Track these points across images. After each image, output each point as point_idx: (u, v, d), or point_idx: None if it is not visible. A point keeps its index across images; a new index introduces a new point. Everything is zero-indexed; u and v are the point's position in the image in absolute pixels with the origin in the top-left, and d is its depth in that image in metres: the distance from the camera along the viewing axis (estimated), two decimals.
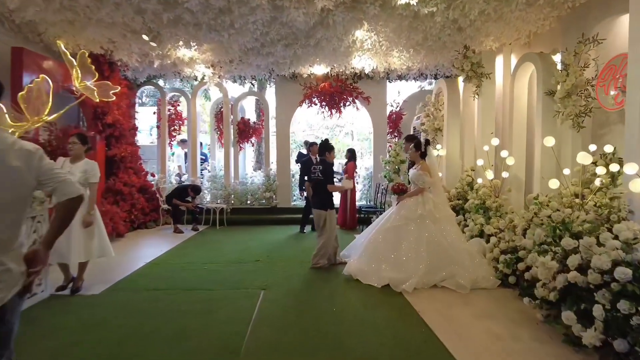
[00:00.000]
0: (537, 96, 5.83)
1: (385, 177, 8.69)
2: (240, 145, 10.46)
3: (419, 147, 5.55)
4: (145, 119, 13.72)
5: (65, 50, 6.30)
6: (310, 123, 19.81)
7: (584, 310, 3.08)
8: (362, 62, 8.18)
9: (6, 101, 5.57)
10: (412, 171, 5.55)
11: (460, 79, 7.84)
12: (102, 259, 4.85)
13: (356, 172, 9.70)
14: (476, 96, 7.27)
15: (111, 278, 5.13)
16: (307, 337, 3.52)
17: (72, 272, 4.70)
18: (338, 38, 6.70)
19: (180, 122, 10.77)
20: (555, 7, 5.41)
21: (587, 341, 2.90)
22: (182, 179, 10.53)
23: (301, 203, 9.64)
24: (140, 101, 15.05)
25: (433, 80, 9.94)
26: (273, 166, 10.44)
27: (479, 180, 6.62)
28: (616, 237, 3.09)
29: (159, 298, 4.49)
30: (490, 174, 6.30)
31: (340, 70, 9.02)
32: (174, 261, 6.15)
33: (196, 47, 7.18)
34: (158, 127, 10.54)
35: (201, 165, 10.85)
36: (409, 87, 12.03)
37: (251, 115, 12.48)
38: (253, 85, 11.00)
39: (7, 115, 5.16)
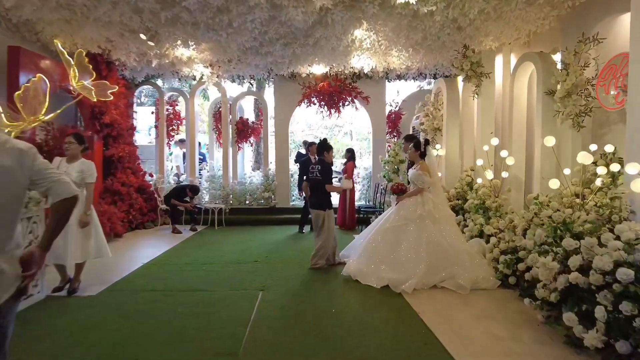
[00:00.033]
0: (537, 96, 5.80)
1: (384, 177, 8.66)
2: (239, 145, 10.43)
3: (418, 146, 5.52)
4: (144, 118, 13.68)
5: (62, 49, 6.26)
6: (309, 123, 19.78)
7: (585, 312, 3.05)
8: (361, 61, 8.15)
9: (2, 100, 5.54)
10: (411, 171, 5.52)
11: (460, 79, 7.81)
12: (99, 259, 4.81)
13: (357, 172, 9.69)
14: (476, 96, 7.25)
15: (108, 279, 5.09)
16: (306, 339, 3.49)
17: (69, 273, 4.66)
18: (337, 37, 6.66)
19: (179, 122, 10.72)
20: (555, 6, 5.38)
21: (588, 343, 2.87)
22: (180, 179, 10.49)
23: (300, 203, 9.61)
24: (138, 101, 15.01)
25: (432, 80, 9.91)
26: (272, 166, 10.40)
27: (479, 180, 6.59)
28: (618, 238, 3.06)
29: (157, 299, 4.45)
30: (489, 174, 6.27)
31: (339, 70, 8.98)
32: (172, 262, 6.11)
33: (194, 46, 7.14)
34: (156, 127, 10.49)
35: (199, 165, 10.81)
36: (408, 87, 12.00)
37: (250, 115, 12.44)
38: (252, 85, 10.96)
39: (2, 115, 5.12)
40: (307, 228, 8.41)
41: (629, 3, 3.98)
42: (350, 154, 9.02)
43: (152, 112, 10.80)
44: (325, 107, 9.98)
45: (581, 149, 4.88)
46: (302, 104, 9.99)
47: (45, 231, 1.94)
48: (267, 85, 11.57)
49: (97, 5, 5.49)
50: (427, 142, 5.71)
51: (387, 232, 5.26)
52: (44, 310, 4.12)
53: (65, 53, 6.25)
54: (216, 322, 3.81)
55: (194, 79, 9.54)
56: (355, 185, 9.54)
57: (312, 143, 8.11)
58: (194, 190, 8.94)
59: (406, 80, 9.92)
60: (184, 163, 10.92)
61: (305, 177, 6.63)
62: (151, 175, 9.55)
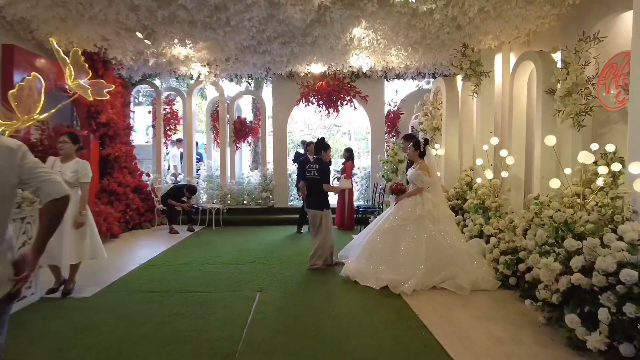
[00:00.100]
0: (537, 95, 5.77)
1: (383, 176, 8.61)
2: (237, 144, 10.36)
3: (417, 146, 5.47)
4: (142, 118, 13.61)
5: (57, 47, 6.18)
6: (307, 122, 19.74)
7: (587, 313, 3.01)
8: (360, 60, 8.10)
9: None
10: (410, 171, 5.48)
11: (459, 78, 7.77)
12: (94, 260, 4.74)
13: (357, 170, 9.63)
14: (475, 95, 7.21)
15: (104, 280, 5.03)
16: (304, 340, 3.44)
17: (64, 274, 4.60)
18: (335, 36, 6.61)
19: (176, 121, 10.65)
20: (555, 4, 5.35)
21: (591, 345, 2.82)
22: (177, 179, 10.42)
23: (298, 203, 9.56)
24: (136, 100, 14.94)
25: (431, 80, 9.88)
26: (270, 166, 10.34)
27: (478, 180, 6.55)
28: (621, 238, 3.02)
29: (153, 300, 4.39)
30: (489, 174, 6.23)
31: (338, 69, 8.92)
32: (169, 262, 6.04)
33: (191, 45, 7.08)
34: (153, 126, 10.43)
35: (196, 165, 10.74)
36: (407, 86, 11.96)
37: (248, 115, 12.37)
38: (249, 84, 10.91)
39: None
40: (305, 228, 8.35)
41: (629, 1, 3.94)
42: (349, 154, 8.97)
43: (149, 112, 10.73)
44: (324, 107, 9.94)
45: (581, 148, 4.84)
46: (301, 103, 9.94)
47: (38, 233, 1.88)
48: (265, 85, 11.50)
49: (92, 3, 5.43)
50: (426, 141, 5.66)
51: (386, 232, 5.21)
52: (37, 312, 4.06)
53: (61, 51, 6.18)
54: (213, 324, 3.76)
55: (192, 78, 9.49)
56: (354, 184, 9.50)
57: (311, 143, 8.04)
58: (192, 190, 8.88)
59: (405, 79, 9.88)
60: (181, 163, 10.85)
61: (302, 177, 6.57)
62: (148, 175, 9.48)
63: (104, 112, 7.77)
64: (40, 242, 1.85)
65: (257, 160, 12.48)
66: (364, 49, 7.37)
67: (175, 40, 6.84)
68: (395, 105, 10.76)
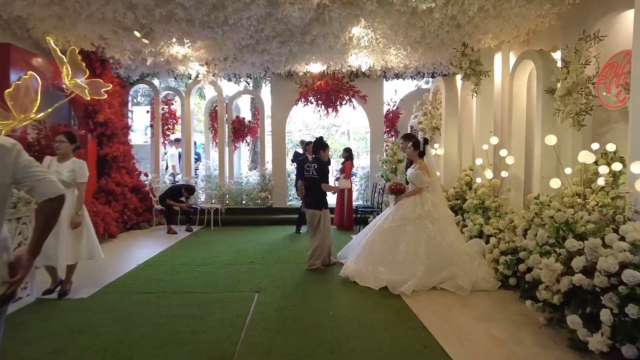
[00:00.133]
0: (537, 94, 5.74)
1: (382, 176, 8.58)
2: (235, 144, 10.33)
3: (417, 146, 5.44)
4: (141, 118, 13.58)
5: (54, 46, 6.14)
6: (306, 122, 19.71)
7: (589, 314, 2.98)
8: (359, 60, 8.07)
9: None
10: (410, 170, 5.44)
11: (459, 77, 7.74)
12: (91, 260, 4.70)
13: (357, 171, 9.59)
14: (474, 94, 7.19)
15: (101, 281, 4.99)
16: (303, 341, 3.40)
17: (60, 274, 4.55)
18: (334, 35, 6.58)
19: (174, 121, 10.61)
20: (555, 3, 5.32)
21: (593, 347, 2.79)
22: (176, 179, 10.38)
23: (297, 203, 9.52)
24: (135, 100, 14.92)
25: (430, 79, 9.85)
26: (269, 166, 10.30)
27: (478, 180, 6.52)
28: (622, 239, 2.99)
29: (150, 301, 4.35)
30: (489, 174, 6.20)
31: (337, 69, 8.89)
32: (167, 263, 6.00)
33: (190, 44, 7.04)
34: (151, 126, 10.38)
35: (194, 164, 10.71)
36: (406, 86, 11.93)
37: (246, 114, 12.34)
38: (248, 84, 10.87)
39: None
40: (304, 228, 8.32)
41: (630, 0, 3.92)
42: (348, 154, 8.94)
43: (147, 112, 10.68)
44: (323, 106, 9.90)
45: (581, 148, 4.82)
46: (299, 103, 9.90)
47: (33, 233, 1.84)
48: (263, 84, 11.46)
49: (89, 1, 5.39)
50: (426, 141, 5.63)
51: (385, 232, 5.18)
52: (34, 313, 4.01)
53: (58, 50, 6.13)
54: (211, 325, 3.72)
55: (190, 78, 9.44)
56: (353, 184, 9.47)
57: (310, 142, 8.01)
58: (190, 190, 8.84)
59: (404, 79, 9.86)
60: (179, 162, 10.80)
61: (301, 176, 6.53)
62: (146, 174, 9.44)
63: (102, 111, 7.73)
64: (36, 243, 1.81)
65: (256, 160, 12.45)
66: (363, 48, 7.34)
67: (174, 39, 6.80)
68: (394, 105, 10.73)
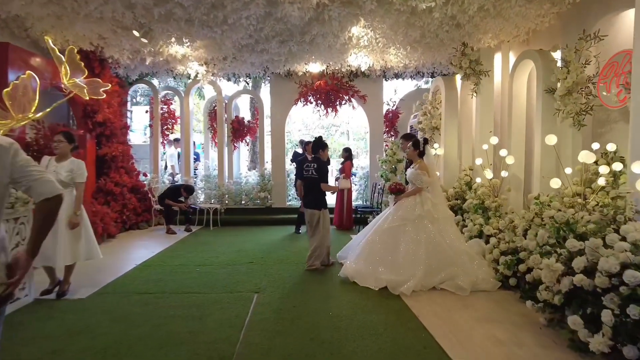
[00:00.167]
0: (537, 94, 5.73)
1: (381, 176, 8.57)
2: (235, 144, 10.30)
3: (417, 145, 5.42)
4: (140, 118, 13.55)
5: (53, 46, 6.11)
6: (305, 122, 19.70)
7: (590, 315, 2.96)
8: (359, 59, 8.05)
9: None
10: (409, 170, 5.42)
11: (458, 77, 7.73)
12: (90, 261, 4.67)
13: (356, 171, 9.56)
14: (474, 94, 7.17)
15: (99, 281, 4.96)
16: (302, 343, 3.39)
17: (58, 275, 4.53)
18: (334, 34, 6.55)
19: (173, 120, 10.59)
20: (556, 3, 5.31)
21: (594, 347, 2.77)
22: (175, 179, 10.36)
23: (296, 203, 9.50)
24: (134, 100, 14.88)
25: (430, 79, 9.83)
26: (268, 166, 10.28)
27: (478, 180, 6.51)
28: (623, 239, 2.97)
29: (149, 302, 4.33)
30: (489, 173, 6.18)
31: (336, 68, 8.87)
32: (166, 263, 5.98)
33: (189, 43, 7.01)
34: (151, 126, 10.36)
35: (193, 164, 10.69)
36: (406, 86, 11.91)
37: (246, 114, 12.32)
38: (247, 84, 10.85)
39: None
40: (304, 228, 8.30)
41: (630, 0, 3.90)
42: (347, 154, 8.93)
43: (146, 111, 10.66)
44: (322, 106, 9.88)
45: (581, 147, 4.81)
46: (299, 102, 9.88)
47: (31, 234, 1.82)
48: (263, 84, 11.44)
49: (88, 0, 5.36)
50: (426, 140, 5.61)
51: (385, 232, 5.16)
52: (32, 314, 3.99)
53: (56, 50, 6.11)
54: (210, 325, 3.70)
55: (189, 78, 9.42)
56: (352, 184, 9.45)
57: (309, 142, 7.99)
58: (189, 190, 8.82)
59: (403, 79, 9.84)
60: (178, 162, 10.78)
61: (300, 176, 6.51)
62: (145, 174, 9.41)
63: (101, 111, 7.70)
64: (34, 244, 1.79)
65: (255, 160, 12.43)
66: (362, 48, 7.32)
67: (173, 39, 6.77)
68: (393, 105, 10.71)
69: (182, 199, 8.67)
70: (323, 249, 5.63)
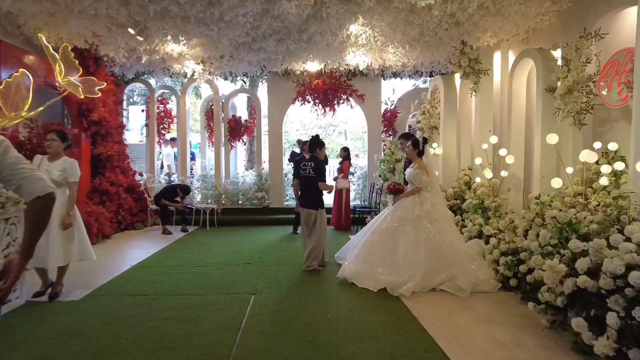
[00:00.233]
0: (537, 93, 5.67)
1: (380, 176, 8.50)
2: (232, 143, 10.22)
3: (416, 145, 5.36)
4: (137, 117, 13.45)
5: (46, 43, 6.00)
6: (303, 122, 19.63)
7: (594, 317, 2.90)
8: (357, 58, 7.99)
9: None
10: (408, 170, 5.37)
11: (457, 76, 7.67)
12: (84, 262, 4.58)
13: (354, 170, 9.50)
14: (473, 93, 7.12)
15: (93, 283, 4.87)
16: (300, 345, 3.32)
17: (51, 276, 4.44)
18: (332, 33, 6.49)
19: (170, 120, 10.49)
20: (556, 1, 5.27)
21: (599, 350, 2.71)
22: (171, 179, 10.27)
23: (294, 203, 9.42)
24: (131, 100, 14.79)
25: (428, 79, 9.77)
26: (265, 165, 10.21)
27: (477, 180, 6.45)
28: (628, 239, 2.91)
29: (143, 304, 4.25)
30: (488, 173, 6.12)
31: (334, 67, 8.80)
32: (161, 264, 5.90)
33: (185, 41, 6.92)
34: (147, 125, 10.26)
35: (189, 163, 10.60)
36: (404, 85, 11.85)
37: (243, 113, 12.23)
38: (244, 83, 10.77)
39: None
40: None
41: None
42: (346, 153, 8.86)
43: (142, 111, 10.56)
44: (320, 106, 9.81)
45: (582, 147, 4.75)
46: (296, 102, 9.81)
47: (24, 235, 1.72)
48: (260, 83, 11.36)
49: None
50: (425, 140, 5.55)
51: (383, 233, 5.10)
52: (23, 316, 3.90)
53: (50, 47, 6.00)
54: (206, 328, 3.63)
55: (186, 76, 9.33)
56: (350, 184, 9.39)
57: (307, 142, 7.93)
58: (185, 190, 8.73)
59: (402, 78, 9.77)
60: (174, 162, 10.69)
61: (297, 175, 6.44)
62: (141, 174, 9.32)
63: (96, 110, 7.61)
64: (28, 245, 1.70)
65: (252, 160, 12.34)
66: (360, 47, 7.25)
67: (168, 37, 6.69)
68: (392, 104, 10.65)
69: (178, 199, 8.59)
70: (321, 250, 5.57)
